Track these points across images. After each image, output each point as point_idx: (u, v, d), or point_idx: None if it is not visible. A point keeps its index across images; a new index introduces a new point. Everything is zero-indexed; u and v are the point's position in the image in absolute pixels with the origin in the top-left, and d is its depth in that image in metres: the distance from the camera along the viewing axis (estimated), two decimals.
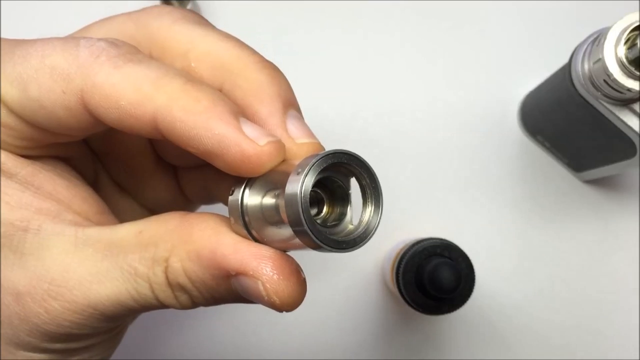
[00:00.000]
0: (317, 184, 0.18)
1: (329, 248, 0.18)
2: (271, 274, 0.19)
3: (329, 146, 0.20)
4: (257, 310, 0.40)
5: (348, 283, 0.41)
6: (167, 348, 0.40)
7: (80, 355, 0.23)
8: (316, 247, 0.18)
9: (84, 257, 0.21)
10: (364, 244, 0.19)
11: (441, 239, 0.35)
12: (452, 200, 0.42)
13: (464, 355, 0.41)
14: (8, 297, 0.21)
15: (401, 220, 0.41)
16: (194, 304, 0.21)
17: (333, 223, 0.20)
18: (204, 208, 0.30)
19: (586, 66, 0.31)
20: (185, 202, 0.28)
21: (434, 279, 0.32)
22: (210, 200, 0.28)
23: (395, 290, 0.35)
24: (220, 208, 0.24)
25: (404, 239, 0.39)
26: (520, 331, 0.41)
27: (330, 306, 0.41)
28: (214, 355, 0.40)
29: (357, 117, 0.42)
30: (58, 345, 0.22)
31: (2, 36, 0.22)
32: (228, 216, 0.21)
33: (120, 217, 0.25)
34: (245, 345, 0.40)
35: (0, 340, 0.21)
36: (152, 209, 0.28)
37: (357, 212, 0.19)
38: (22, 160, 0.22)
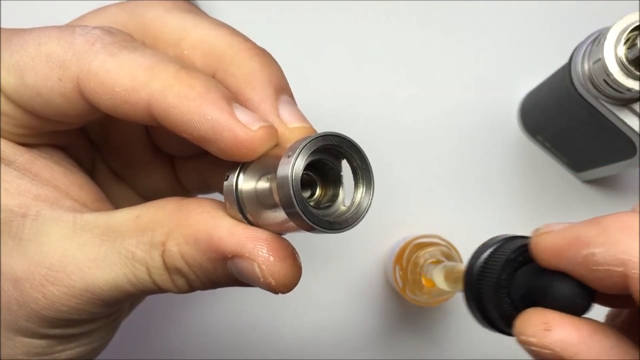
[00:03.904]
0: (309, 167, 0.18)
1: (321, 229, 0.18)
2: (267, 255, 0.19)
3: None
4: (257, 306, 0.40)
5: (350, 280, 0.41)
6: (165, 339, 0.40)
7: (79, 341, 0.23)
8: (309, 229, 0.18)
9: (81, 242, 0.21)
10: (355, 225, 0.19)
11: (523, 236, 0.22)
12: (453, 198, 0.42)
13: (466, 353, 0.41)
14: (7, 282, 0.21)
15: (402, 218, 0.41)
16: (191, 287, 0.21)
17: (326, 205, 0.20)
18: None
19: (586, 66, 0.31)
20: (182, 191, 0.28)
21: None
22: (207, 189, 0.28)
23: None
24: (216, 197, 0.24)
25: (405, 236, 0.39)
26: None
27: (332, 303, 0.41)
28: (214, 351, 0.40)
29: (357, 116, 0.42)
30: (57, 331, 0.22)
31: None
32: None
33: (118, 205, 0.24)
34: (245, 341, 0.40)
35: None
36: (149, 198, 0.27)
37: (350, 194, 0.20)
38: (20, 147, 0.22)
